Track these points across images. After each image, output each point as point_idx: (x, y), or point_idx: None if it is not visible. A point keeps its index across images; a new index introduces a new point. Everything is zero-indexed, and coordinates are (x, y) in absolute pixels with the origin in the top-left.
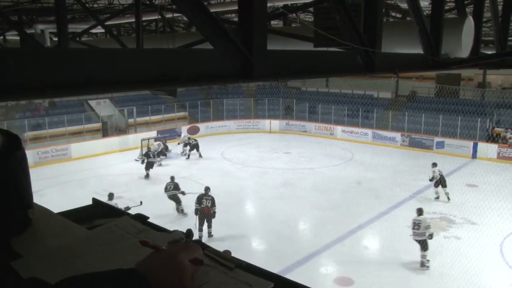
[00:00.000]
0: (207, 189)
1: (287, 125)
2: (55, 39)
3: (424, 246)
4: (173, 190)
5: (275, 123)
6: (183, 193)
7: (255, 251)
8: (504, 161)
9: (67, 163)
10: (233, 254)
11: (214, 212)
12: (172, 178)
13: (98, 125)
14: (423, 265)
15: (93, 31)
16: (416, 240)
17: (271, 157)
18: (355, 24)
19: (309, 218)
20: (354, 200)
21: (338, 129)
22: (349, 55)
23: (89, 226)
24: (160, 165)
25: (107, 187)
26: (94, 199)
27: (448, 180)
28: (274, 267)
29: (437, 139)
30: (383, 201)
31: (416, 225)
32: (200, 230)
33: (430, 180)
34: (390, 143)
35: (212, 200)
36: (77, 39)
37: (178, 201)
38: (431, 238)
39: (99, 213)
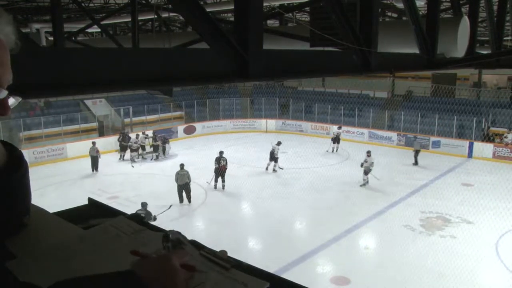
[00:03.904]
0: (221, 152)
1: (284, 125)
2: (51, 38)
3: (366, 173)
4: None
5: (272, 123)
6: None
7: (252, 250)
8: (499, 160)
9: (63, 163)
10: (229, 254)
11: (226, 169)
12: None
13: (94, 124)
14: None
15: (89, 30)
16: (365, 170)
17: (268, 157)
18: (351, 23)
19: (306, 217)
20: (350, 200)
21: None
22: (345, 54)
23: (85, 226)
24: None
25: (103, 187)
26: (89, 199)
27: (444, 179)
28: (270, 267)
29: (433, 138)
30: (379, 200)
31: (367, 161)
32: (216, 181)
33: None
34: (386, 143)
35: (226, 160)
36: (73, 38)
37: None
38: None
39: (95, 213)
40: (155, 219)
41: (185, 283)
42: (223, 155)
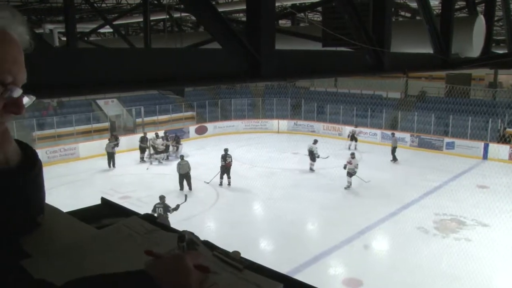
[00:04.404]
0: (226, 149)
1: (295, 125)
2: (64, 38)
3: (351, 175)
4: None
5: (283, 123)
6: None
7: (263, 251)
8: None
9: (75, 163)
10: (241, 255)
11: (231, 166)
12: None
13: (106, 124)
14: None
15: (101, 30)
16: (349, 172)
17: (279, 157)
18: (364, 23)
19: (318, 218)
20: (363, 201)
21: (347, 129)
22: (357, 54)
23: (98, 226)
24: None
25: (115, 187)
26: (102, 199)
27: (459, 181)
28: (282, 268)
29: (447, 139)
30: (392, 202)
31: (351, 163)
32: (222, 178)
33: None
34: (400, 144)
35: (231, 157)
36: (85, 38)
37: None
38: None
39: (108, 212)
40: (176, 209)
41: (198, 284)
42: (228, 152)
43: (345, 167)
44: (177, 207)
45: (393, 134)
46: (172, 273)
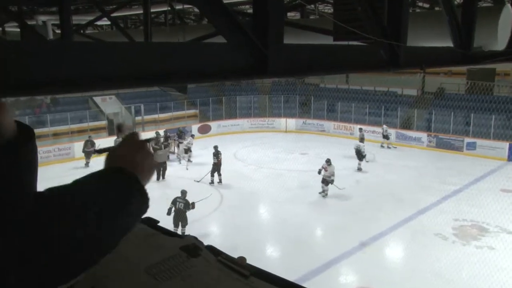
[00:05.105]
0: (216, 147)
1: (304, 124)
2: (58, 31)
3: (327, 183)
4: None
5: (291, 122)
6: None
7: (270, 257)
8: None
9: (71, 163)
10: (246, 261)
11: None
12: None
13: (103, 123)
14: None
15: (99, 23)
16: (325, 179)
17: (287, 158)
18: (378, 15)
19: (327, 223)
20: (376, 205)
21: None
22: (371, 49)
23: None
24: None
25: None
26: None
27: (480, 184)
28: (290, 275)
29: (467, 139)
30: (408, 206)
31: (327, 170)
32: (212, 176)
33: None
34: (416, 144)
35: (221, 154)
36: (81, 31)
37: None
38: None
39: None
40: (193, 207)
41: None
42: (218, 149)
43: (319, 172)
44: (193, 205)
45: (360, 129)
46: (133, 150)
